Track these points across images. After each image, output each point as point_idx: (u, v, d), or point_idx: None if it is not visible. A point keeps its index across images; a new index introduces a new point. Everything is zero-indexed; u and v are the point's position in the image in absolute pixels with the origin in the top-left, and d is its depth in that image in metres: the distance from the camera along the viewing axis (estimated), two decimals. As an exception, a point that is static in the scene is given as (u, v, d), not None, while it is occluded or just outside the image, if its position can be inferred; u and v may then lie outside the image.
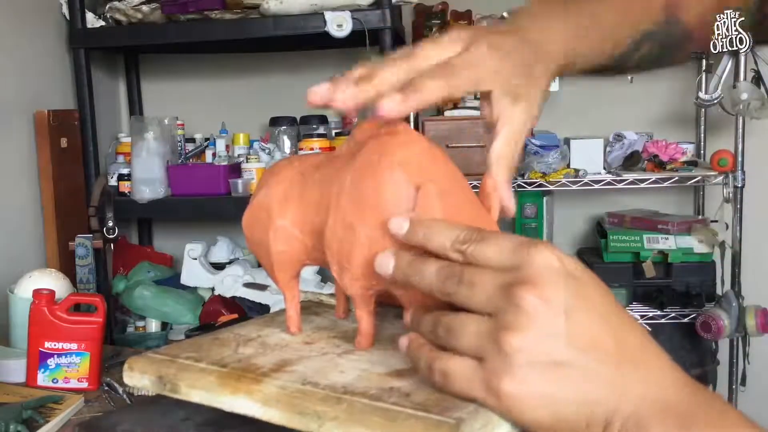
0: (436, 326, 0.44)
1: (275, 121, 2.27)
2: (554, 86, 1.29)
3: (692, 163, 2.15)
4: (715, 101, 2.00)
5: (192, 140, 2.32)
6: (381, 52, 1.94)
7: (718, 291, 2.12)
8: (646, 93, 2.28)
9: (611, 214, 2.24)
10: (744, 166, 2.02)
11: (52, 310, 1.23)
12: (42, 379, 1.23)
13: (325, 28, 1.93)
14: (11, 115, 1.89)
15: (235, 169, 2.11)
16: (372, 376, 0.49)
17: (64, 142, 2.02)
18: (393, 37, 1.96)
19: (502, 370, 0.40)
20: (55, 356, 1.23)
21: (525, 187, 2.08)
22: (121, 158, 2.22)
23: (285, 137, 2.24)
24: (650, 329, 2.07)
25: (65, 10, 2.10)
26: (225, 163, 2.12)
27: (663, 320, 2.09)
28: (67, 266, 1.78)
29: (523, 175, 2.06)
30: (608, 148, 2.18)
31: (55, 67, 2.11)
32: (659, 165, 2.11)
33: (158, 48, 2.36)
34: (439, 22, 2.17)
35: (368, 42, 1.91)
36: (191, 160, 2.27)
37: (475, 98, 1.70)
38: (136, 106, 2.51)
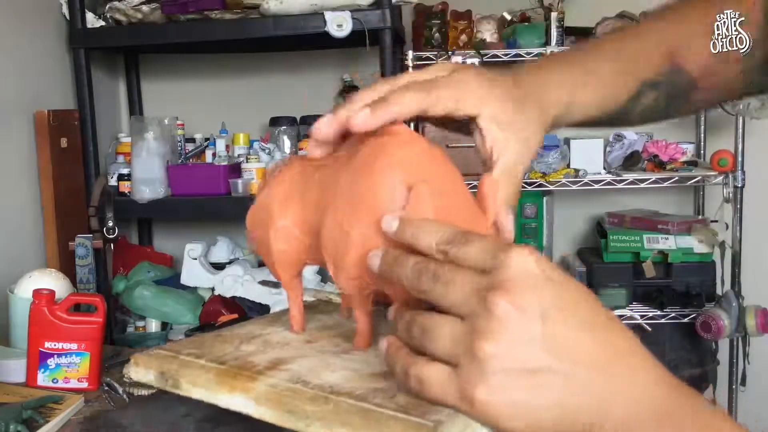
0: (412, 325, 0.43)
1: (275, 121, 2.27)
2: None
3: (692, 163, 2.15)
4: (715, 101, 2.00)
5: (192, 140, 2.33)
6: (381, 52, 1.94)
7: (718, 291, 2.12)
8: (646, 93, 2.28)
9: (611, 214, 2.24)
10: (744, 166, 2.02)
11: (52, 310, 1.23)
12: (42, 379, 1.23)
13: (325, 28, 1.93)
14: (11, 115, 1.89)
15: (235, 169, 2.11)
16: (362, 376, 0.50)
17: (64, 142, 2.02)
18: (393, 37, 1.96)
19: (475, 377, 0.39)
20: (55, 356, 1.23)
21: (525, 187, 2.08)
22: (121, 158, 2.22)
23: (285, 137, 2.24)
24: (650, 329, 2.07)
25: (65, 10, 2.10)
26: (225, 163, 2.12)
27: (663, 320, 2.09)
28: (67, 266, 1.78)
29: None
30: (608, 148, 2.18)
31: (55, 67, 2.11)
32: (659, 165, 2.11)
33: (158, 48, 2.36)
34: (439, 22, 2.17)
35: (368, 42, 1.91)
36: (191, 160, 2.27)
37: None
38: (136, 106, 2.51)
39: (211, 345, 0.57)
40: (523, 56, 2.10)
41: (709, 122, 2.28)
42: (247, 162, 2.12)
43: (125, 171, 2.13)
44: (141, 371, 0.55)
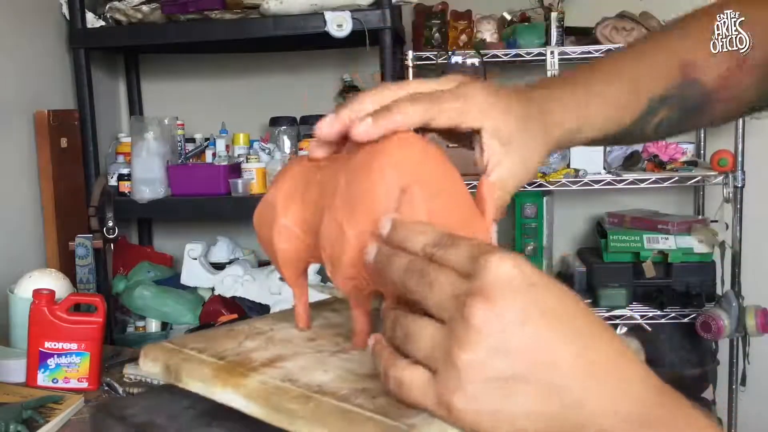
0: (395, 325, 0.43)
1: (275, 121, 2.27)
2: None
3: (692, 163, 2.15)
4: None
5: (192, 140, 2.33)
6: (381, 52, 1.94)
7: (718, 291, 2.12)
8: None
9: (611, 214, 2.24)
10: (744, 166, 2.02)
11: (52, 310, 1.23)
12: (42, 379, 1.24)
13: (325, 28, 1.93)
14: (11, 115, 1.89)
15: (235, 169, 2.11)
16: (354, 376, 0.50)
17: (64, 142, 2.02)
18: (393, 37, 1.96)
19: (453, 385, 0.39)
20: (55, 356, 1.23)
21: (525, 187, 2.08)
22: (121, 158, 2.22)
23: (285, 137, 2.24)
24: (650, 329, 2.08)
25: (65, 10, 2.10)
26: (225, 163, 2.12)
27: (663, 320, 2.09)
28: (67, 266, 1.78)
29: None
30: (608, 148, 2.18)
31: (55, 67, 2.11)
32: (659, 165, 2.11)
33: (158, 48, 2.36)
34: (439, 22, 2.17)
35: (368, 42, 1.92)
36: (191, 160, 2.27)
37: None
38: (136, 106, 2.51)
39: (217, 340, 0.58)
40: (523, 56, 2.10)
41: (709, 122, 2.28)
42: (247, 162, 2.12)
43: (125, 171, 2.13)
44: (149, 363, 0.56)
